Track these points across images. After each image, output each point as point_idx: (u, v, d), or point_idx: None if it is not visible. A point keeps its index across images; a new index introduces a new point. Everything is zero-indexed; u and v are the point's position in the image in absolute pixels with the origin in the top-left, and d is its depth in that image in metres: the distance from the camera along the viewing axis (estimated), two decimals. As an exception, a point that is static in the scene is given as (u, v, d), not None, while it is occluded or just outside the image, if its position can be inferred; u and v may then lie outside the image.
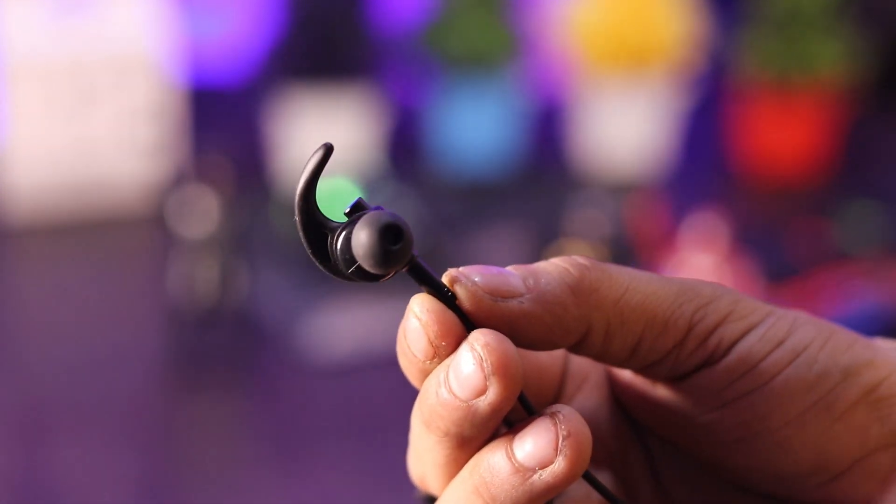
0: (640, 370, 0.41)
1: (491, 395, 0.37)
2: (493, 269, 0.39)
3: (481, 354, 0.37)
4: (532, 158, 1.68)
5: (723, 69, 1.74)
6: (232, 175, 1.30)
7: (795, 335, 0.40)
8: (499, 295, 0.38)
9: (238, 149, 1.62)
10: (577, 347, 0.40)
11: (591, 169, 1.65)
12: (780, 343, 0.40)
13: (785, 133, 1.64)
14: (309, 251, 0.39)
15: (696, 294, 0.40)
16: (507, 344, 0.38)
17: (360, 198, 0.40)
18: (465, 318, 0.39)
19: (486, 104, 1.61)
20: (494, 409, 0.37)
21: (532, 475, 0.37)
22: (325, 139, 0.39)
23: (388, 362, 1.32)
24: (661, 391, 0.42)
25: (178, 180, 1.52)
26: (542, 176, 1.65)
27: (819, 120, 1.64)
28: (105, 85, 1.51)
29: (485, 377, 0.37)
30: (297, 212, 0.39)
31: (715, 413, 0.41)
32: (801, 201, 1.60)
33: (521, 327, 0.38)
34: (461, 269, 0.39)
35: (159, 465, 1.15)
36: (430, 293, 0.39)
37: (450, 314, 0.39)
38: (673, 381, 0.41)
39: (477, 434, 0.38)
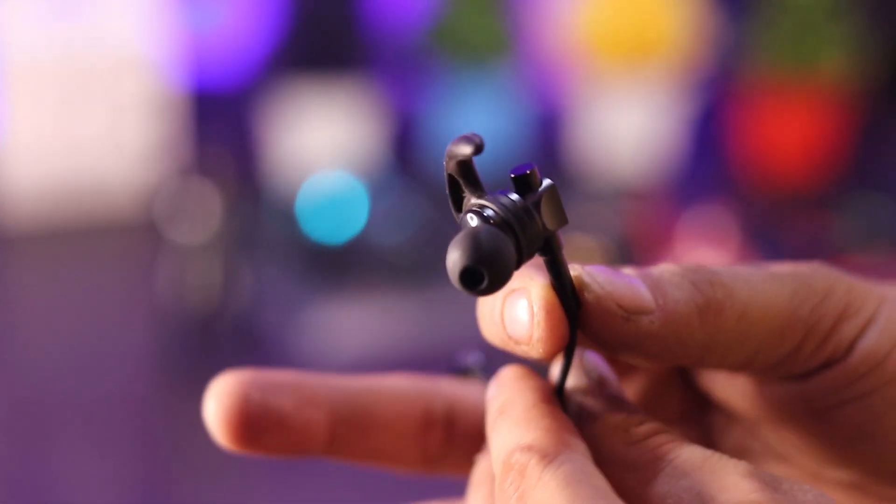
0: (752, 375, 0.39)
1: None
2: (622, 277, 0.36)
3: (597, 384, 0.37)
4: (534, 156, 1.67)
5: (730, 68, 1.74)
6: (232, 176, 1.30)
7: None
8: (630, 311, 0.35)
9: (237, 149, 1.61)
10: (690, 365, 0.38)
11: (594, 167, 1.64)
12: None
13: (792, 130, 1.63)
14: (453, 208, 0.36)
15: (810, 292, 0.37)
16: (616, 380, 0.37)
17: (518, 174, 0.35)
18: (574, 324, 0.36)
19: (488, 103, 1.60)
20: None
21: None
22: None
23: (387, 365, 1.32)
24: (768, 390, 0.39)
25: (177, 182, 1.52)
26: (544, 173, 1.64)
27: (827, 117, 1.63)
28: (103, 87, 1.50)
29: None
30: (446, 176, 0.35)
31: (826, 414, 0.38)
32: (808, 198, 1.59)
33: (643, 346, 0.36)
34: (587, 268, 0.36)
35: (157, 468, 1.15)
36: (553, 286, 0.35)
37: (564, 321, 0.36)
38: (785, 381, 0.39)
39: None
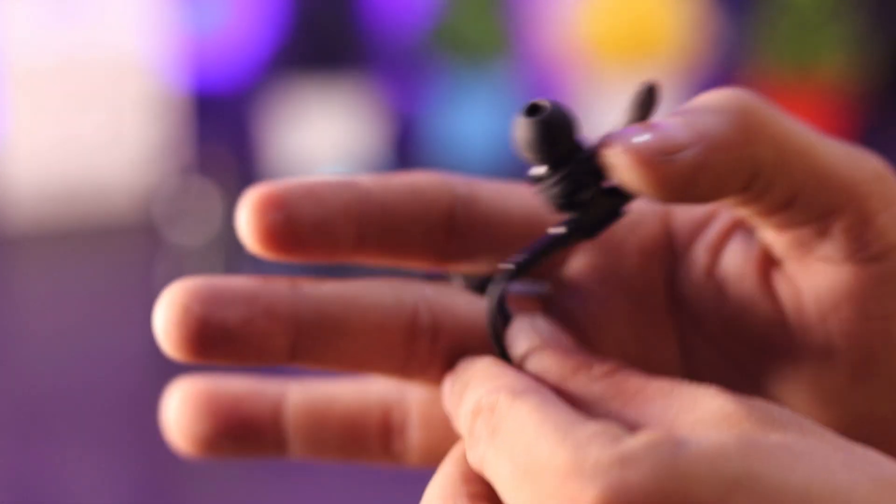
0: (780, 231, 0.36)
1: None
2: (652, 126, 0.34)
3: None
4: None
5: (730, 67, 1.73)
6: (232, 176, 1.30)
7: None
8: (668, 152, 0.34)
9: (237, 149, 1.61)
10: (741, 194, 0.35)
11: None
12: None
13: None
14: None
15: (863, 163, 0.36)
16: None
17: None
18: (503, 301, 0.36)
19: (488, 103, 1.60)
20: None
21: None
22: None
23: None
24: (784, 284, 0.37)
25: (177, 183, 1.52)
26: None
27: (828, 117, 1.63)
28: (102, 86, 1.50)
29: None
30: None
31: (850, 325, 0.36)
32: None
33: (697, 182, 0.34)
34: (611, 136, 0.35)
35: (155, 469, 1.15)
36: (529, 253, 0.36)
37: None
38: (801, 262, 0.36)
39: None
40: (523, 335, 0.36)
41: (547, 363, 0.35)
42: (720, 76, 1.76)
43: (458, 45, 1.58)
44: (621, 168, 0.34)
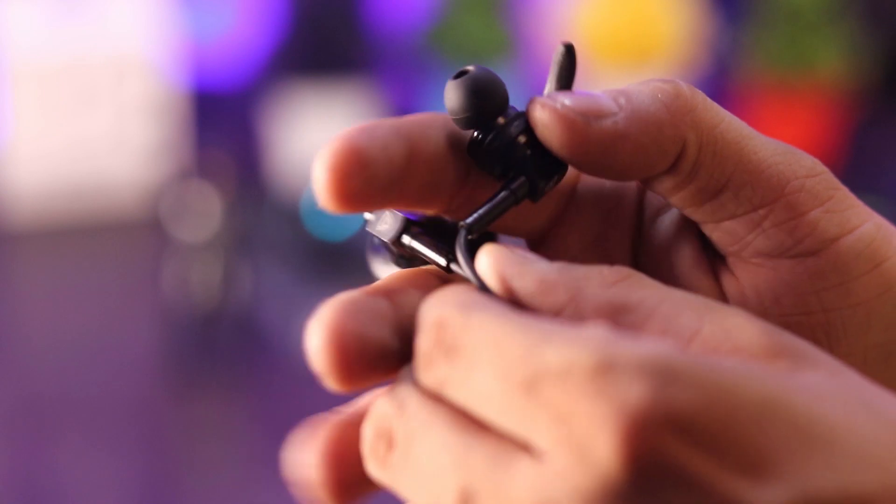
0: (715, 223, 0.36)
1: None
2: (581, 92, 0.35)
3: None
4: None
5: (727, 69, 1.74)
6: (233, 176, 1.30)
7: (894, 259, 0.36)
8: (590, 115, 0.34)
9: (238, 149, 1.61)
10: (663, 178, 0.36)
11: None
12: (877, 265, 0.36)
13: (789, 132, 1.63)
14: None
15: (796, 159, 0.36)
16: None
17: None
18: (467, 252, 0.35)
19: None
20: None
21: None
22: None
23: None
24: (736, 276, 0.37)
25: (178, 182, 1.52)
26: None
27: (824, 119, 1.63)
28: (105, 86, 1.50)
29: None
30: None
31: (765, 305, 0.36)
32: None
33: (616, 150, 0.34)
34: (544, 96, 0.35)
35: (159, 466, 1.15)
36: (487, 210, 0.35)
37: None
38: (740, 257, 0.37)
39: None
40: (500, 253, 0.34)
41: (544, 272, 0.33)
42: (718, 78, 1.76)
43: (459, 47, 1.59)
44: (544, 125, 0.34)
